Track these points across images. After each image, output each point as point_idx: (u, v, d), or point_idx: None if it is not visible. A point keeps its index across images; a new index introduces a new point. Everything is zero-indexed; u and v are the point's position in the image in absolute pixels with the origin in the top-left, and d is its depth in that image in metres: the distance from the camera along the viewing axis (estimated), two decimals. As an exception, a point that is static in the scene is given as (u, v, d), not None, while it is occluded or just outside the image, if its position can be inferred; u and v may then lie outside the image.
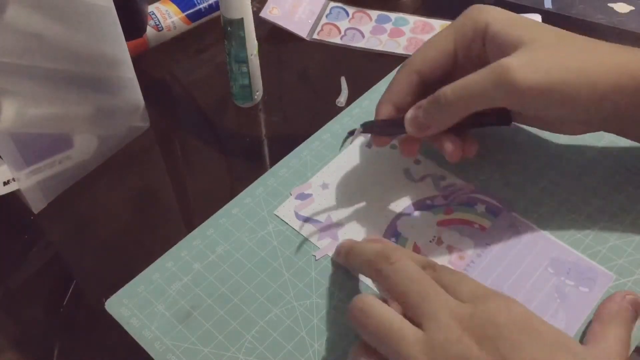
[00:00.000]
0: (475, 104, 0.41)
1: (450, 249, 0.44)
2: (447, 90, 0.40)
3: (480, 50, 0.43)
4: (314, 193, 0.47)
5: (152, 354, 0.40)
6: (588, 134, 0.51)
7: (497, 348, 0.32)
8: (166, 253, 0.45)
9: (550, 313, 0.40)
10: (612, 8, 0.63)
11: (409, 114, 0.43)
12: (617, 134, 0.44)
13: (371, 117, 0.53)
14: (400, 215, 0.46)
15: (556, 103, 0.39)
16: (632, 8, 0.63)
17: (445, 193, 0.47)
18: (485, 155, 0.50)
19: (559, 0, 0.64)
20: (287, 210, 0.46)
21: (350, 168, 0.49)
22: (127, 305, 0.42)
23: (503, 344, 0.32)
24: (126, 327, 0.41)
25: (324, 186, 0.48)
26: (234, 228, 0.46)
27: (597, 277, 0.42)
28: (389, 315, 0.34)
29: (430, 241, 0.44)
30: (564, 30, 0.42)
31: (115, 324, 0.41)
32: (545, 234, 0.44)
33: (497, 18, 0.42)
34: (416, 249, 0.44)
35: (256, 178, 0.49)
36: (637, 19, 0.62)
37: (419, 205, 0.46)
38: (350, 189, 0.48)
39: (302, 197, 0.47)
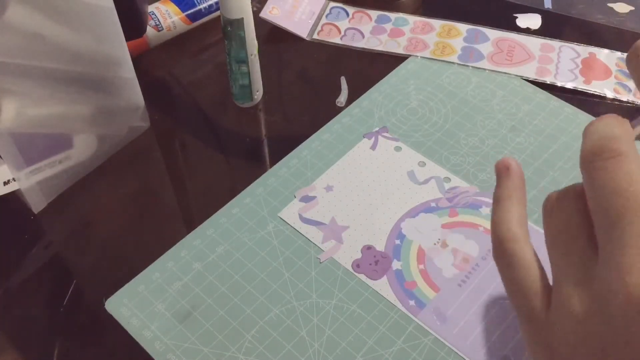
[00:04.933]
0: None
1: (455, 252, 0.44)
2: None
3: None
4: (318, 195, 0.47)
5: (152, 354, 0.40)
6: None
7: None
8: (166, 253, 0.45)
9: None
10: (611, 8, 0.63)
11: None
12: None
13: (371, 117, 0.53)
14: (404, 217, 0.46)
15: None
16: (632, 8, 0.63)
17: (449, 195, 0.47)
18: (487, 157, 0.50)
19: (559, 1, 0.64)
20: (292, 212, 0.46)
21: (355, 170, 0.49)
22: (127, 305, 0.42)
23: None
24: (126, 327, 0.41)
25: (328, 188, 0.48)
26: (234, 228, 0.46)
27: None
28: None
29: (435, 244, 0.44)
30: None
31: (115, 324, 0.41)
32: None
33: None
34: (420, 252, 0.44)
35: (256, 178, 0.49)
36: (636, 19, 0.62)
37: (423, 207, 0.46)
38: (354, 192, 0.48)
39: (307, 199, 0.47)
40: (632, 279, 0.20)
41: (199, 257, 0.44)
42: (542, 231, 0.45)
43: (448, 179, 0.48)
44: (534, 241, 0.44)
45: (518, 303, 0.26)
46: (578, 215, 0.25)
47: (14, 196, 0.47)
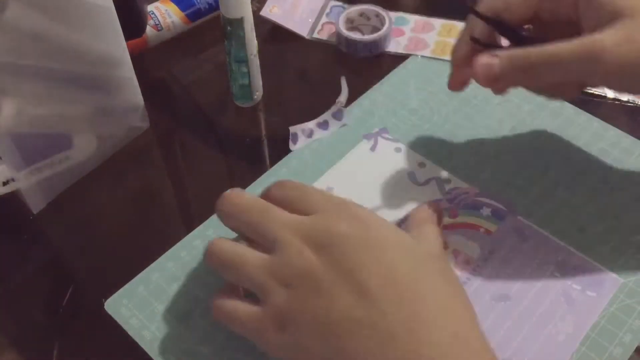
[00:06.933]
0: (559, 75, 0.39)
1: (455, 253, 0.43)
2: (532, 52, 0.38)
3: (570, 9, 0.40)
4: None
5: (151, 354, 0.40)
6: (590, 134, 0.51)
7: (331, 254, 0.33)
8: (166, 253, 0.45)
9: (558, 317, 0.40)
10: (612, 8, 0.63)
11: (483, 59, 0.40)
12: None
13: (371, 117, 0.53)
14: (405, 219, 0.46)
15: None
16: (633, 8, 0.63)
17: (450, 196, 0.47)
18: (487, 157, 0.49)
19: (560, 0, 0.64)
20: None
21: (355, 172, 0.49)
22: (126, 306, 0.42)
23: (337, 250, 0.33)
24: (125, 328, 0.41)
25: (329, 190, 0.48)
26: (233, 228, 0.46)
27: (605, 281, 0.42)
28: (235, 248, 0.36)
29: None
30: None
31: (114, 324, 0.41)
32: (550, 236, 0.44)
33: None
34: None
35: (256, 178, 0.49)
36: (637, 19, 0.62)
37: None
38: (354, 193, 0.47)
39: None
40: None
41: (199, 257, 0.44)
42: (547, 235, 0.44)
43: (448, 180, 0.48)
44: (537, 245, 0.44)
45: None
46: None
47: (13, 196, 0.47)
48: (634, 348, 0.39)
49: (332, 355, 0.32)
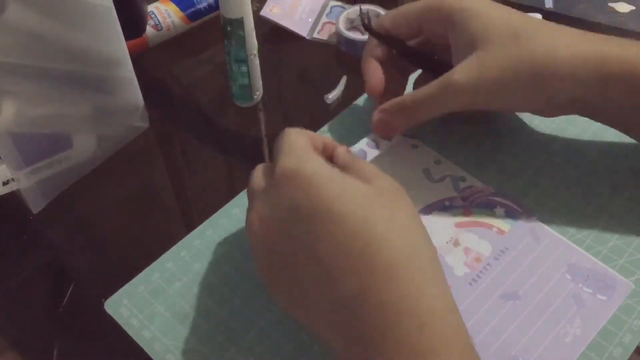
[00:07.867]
0: (432, 111, 0.45)
1: (467, 251, 0.43)
2: (407, 99, 0.45)
3: (444, 32, 0.45)
4: None
5: (151, 355, 0.40)
6: (591, 133, 0.51)
7: (290, 231, 0.35)
8: (166, 253, 0.45)
9: (567, 319, 0.40)
10: (613, 8, 0.63)
11: (376, 116, 0.47)
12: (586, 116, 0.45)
13: (372, 117, 0.53)
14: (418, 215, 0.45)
15: (501, 102, 0.44)
16: (633, 8, 0.63)
17: (464, 194, 0.46)
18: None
19: (560, 0, 0.64)
20: None
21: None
22: (126, 306, 0.42)
23: (293, 225, 0.35)
24: (125, 328, 0.41)
25: None
26: (234, 228, 0.46)
27: (616, 286, 0.41)
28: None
29: (447, 242, 0.44)
30: (525, 20, 0.43)
31: (114, 324, 0.41)
32: (563, 238, 0.44)
33: (460, 8, 0.44)
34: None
35: (256, 178, 0.49)
36: (637, 19, 0.62)
37: (437, 206, 0.46)
38: None
39: None
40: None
41: (199, 257, 0.44)
42: (560, 237, 0.44)
43: (463, 178, 0.47)
44: (550, 246, 0.44)
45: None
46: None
47: (13, 196, 0.47)
48: (634, 348, 0.39)
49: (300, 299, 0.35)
